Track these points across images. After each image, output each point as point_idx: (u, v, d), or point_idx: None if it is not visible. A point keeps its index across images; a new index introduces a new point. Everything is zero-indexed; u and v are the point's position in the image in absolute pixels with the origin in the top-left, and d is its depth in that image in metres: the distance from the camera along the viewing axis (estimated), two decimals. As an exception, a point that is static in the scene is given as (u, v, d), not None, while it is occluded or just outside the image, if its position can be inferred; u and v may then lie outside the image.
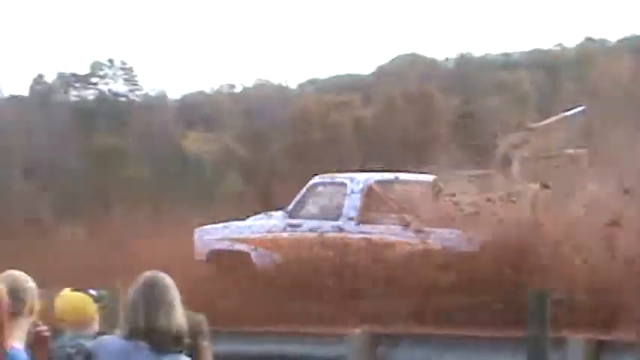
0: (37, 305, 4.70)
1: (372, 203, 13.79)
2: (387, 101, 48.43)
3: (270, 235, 13.82)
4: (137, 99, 57.29)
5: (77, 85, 57.32)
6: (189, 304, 4.63)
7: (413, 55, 58.05)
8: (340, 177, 14.57)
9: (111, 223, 18.49)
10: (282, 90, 58.30)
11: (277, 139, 47.80)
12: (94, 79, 57.58)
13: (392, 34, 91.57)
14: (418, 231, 12.60)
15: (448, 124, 40.78)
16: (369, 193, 13.77)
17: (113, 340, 4.62)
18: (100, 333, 5.49)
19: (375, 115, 48.85)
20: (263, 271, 13.40)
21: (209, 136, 51.22)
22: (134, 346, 4.44)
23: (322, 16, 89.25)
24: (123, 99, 57.20)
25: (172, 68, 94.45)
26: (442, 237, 12.51)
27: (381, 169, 16.03)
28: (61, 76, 56.42)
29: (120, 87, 57.80)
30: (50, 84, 56.64)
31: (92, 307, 5.73)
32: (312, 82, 61.97)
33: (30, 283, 4.67)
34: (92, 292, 5.78)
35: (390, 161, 21.72)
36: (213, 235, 14.30)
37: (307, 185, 14.37)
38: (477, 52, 61.82)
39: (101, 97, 56.92)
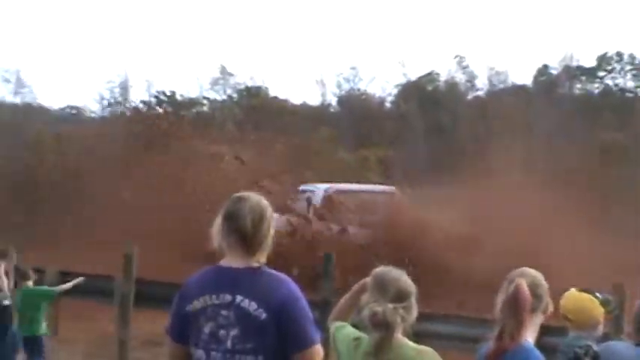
0: (551, 305, 4.77)
1: (328, 205, 20.03)
2: None
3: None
4: (645, 95, 55.44)
5: (582, 78, 56.81)
6: None
7: None
8: (312, 185, 21.38)
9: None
10: None
11: None
12: (600, 73, 56.76)
13: None
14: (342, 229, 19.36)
15: None
16: (326, 198, 20.20)
17: (622, 345, 4.73)
18: (603, 337, 5.45)
19: None
20: None
21: None
22: None
23: None
24: (630, 94, 55.71)
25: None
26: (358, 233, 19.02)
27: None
28: (566, 68, 56.21)
29: (627, 82, 56.46)
30: (555, 75, 56.63)
31: (598, 310, 5.58)
32: None
33: (543, 281, 4.73)
34: (599, 294, 5.67)
35: None
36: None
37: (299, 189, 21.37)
38: None
39: (607, 91, 55.91)
